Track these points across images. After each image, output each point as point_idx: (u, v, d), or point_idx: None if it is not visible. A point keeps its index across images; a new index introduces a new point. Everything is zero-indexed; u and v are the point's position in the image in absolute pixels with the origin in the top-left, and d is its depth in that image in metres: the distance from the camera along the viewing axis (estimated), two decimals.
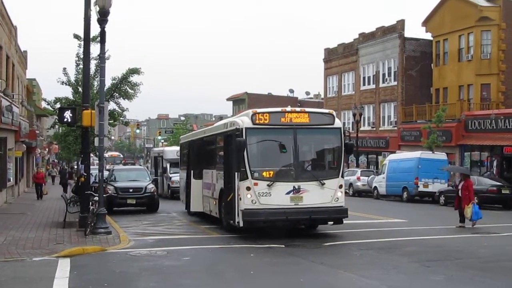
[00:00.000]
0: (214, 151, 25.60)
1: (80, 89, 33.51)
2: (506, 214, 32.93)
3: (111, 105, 35.20)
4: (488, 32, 50.05)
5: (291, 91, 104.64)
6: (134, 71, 35.52)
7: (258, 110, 21.13)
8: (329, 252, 18.19)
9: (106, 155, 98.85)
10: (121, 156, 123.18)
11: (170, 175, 42.28)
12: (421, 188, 41.27)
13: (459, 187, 25.51)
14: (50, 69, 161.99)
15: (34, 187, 46.67)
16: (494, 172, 44.10)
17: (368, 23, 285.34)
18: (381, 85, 60.12)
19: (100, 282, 13.70)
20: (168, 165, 43.66)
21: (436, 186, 40.44)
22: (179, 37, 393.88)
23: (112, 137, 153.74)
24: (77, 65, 35.09)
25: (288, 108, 21.59)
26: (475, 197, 35.46)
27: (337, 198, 20.86)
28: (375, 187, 45.98)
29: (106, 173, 31.62)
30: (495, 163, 45.02)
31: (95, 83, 33.70)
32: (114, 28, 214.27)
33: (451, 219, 26.47)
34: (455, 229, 24.09)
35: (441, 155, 42.63)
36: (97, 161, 23.51)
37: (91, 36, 25.32)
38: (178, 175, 36.24)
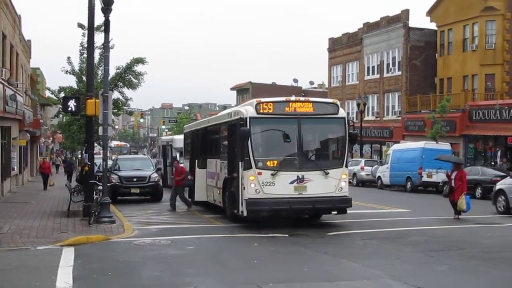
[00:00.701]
0: (218, 141, 25.63)
1: (84, 78, 33.41)
2: None
3: (115, 94, 35.15)
4: (493, 22, 49.86)
5: (295, 80, 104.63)
6: (139, 60, 35.44)
7: (262, 100, 21.13)
8: (333, 242, 18.22)
9: (112, 144, 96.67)
10: (128, 146, 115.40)
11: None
12: (424, 178, 41.15)
13: (452, 177, 24.98)
14: (54, 58, 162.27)
15: (38, 177, 46.49)
16: (498, 162, 44.07)
17: (372, 12, 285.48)
18: (385, 75, 59.98)
19: (104, 271, 13.75)
20: (177, 155, 41.82)
21: (440, 176, 40.32)
22: (183, 27, 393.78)
23: (116, 126, 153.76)
24: (81, 54, 35.00)
25: (293, 98, 21.59)
26: (479, 188, 35.77)
27: (341, 187, 20.86)
28: (379, 177, 45.98)
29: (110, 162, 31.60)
30: (499, 154, 45.00)
31: (99, 72, 33.63)
32: (118, 17, 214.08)
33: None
34: (458, 220, 24.04)
35: (445, 145, 42.56)
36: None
37: (95, 25, 25.26)
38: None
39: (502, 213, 26.18)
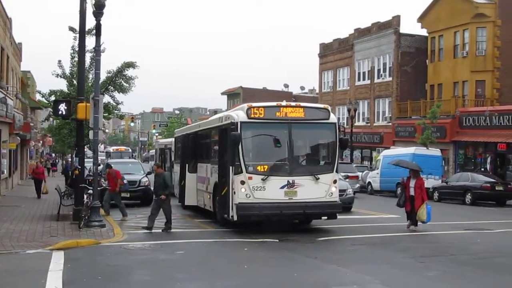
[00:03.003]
0: (209, 145, 25.61)
1: (75, 82, 33.42)
2: (499, 210, 33.05)
3: (106, 98, 35.12)
4: (484, 29, 50.10)
5: (286, 86, 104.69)
6: (130, 64, 35.43)
7: (254, 104, 21.13)
8: (323, 247, 18.24)
9: (111, 149, 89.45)
10: (130, 150, 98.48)
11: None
12: None
13: (411, 185, 22.64)
14: (45, 62, 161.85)
15: (28, 180, 43.66)
16: (488, 168, 44.24)
17: (363, 18, 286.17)
18: (376, 80, 60.12)
19: (94, 275, 13.71)
20: None
21: (430, 182, 40.41)
22: (174, 31, 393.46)
23: (107, 130, 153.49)
24: (72, 57, 35.00)
25: (284, 103, 21.57)
26: (469, 194, 35.94)
27: (331, 193, 20.88)
28: (369, 182, 46.08)
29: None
30: (489, 160, 45.17)
31: (90, 76, 33.62)
32: (109, 20, 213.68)
33: (444, 215, 26.55)
34: (448, 225, 24.09)
35: (435, 151, 42.74)
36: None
37: (86, 29, 25.19)
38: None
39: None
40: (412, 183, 22.66)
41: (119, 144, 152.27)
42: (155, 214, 21.60)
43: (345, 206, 27.92)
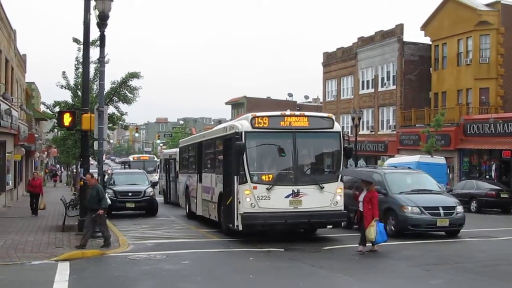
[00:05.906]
0: (213, 155, 25.63)
1: (79, 93, 33.53)
2: (504, 218, 32.96)
3: (110, 109, 35.20)
4: (487, 36, 50.05)
5: (290, 95, 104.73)
6: (134, 75, 35.53)
7: (258, 114, 21.15)
8: (328, 256, 18.21)
9: (130, 158, 79.43)
10: (155, 158, 78.06)
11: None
12: None
13: (360, 198, 19.21)
14: (49, 73, 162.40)
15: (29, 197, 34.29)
16: (493, 176, 44.12)
17: (367, 27, 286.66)
18: (380, 89, 60.05)
19: (100, 286, 13.73)
20: None
21: None
22: (177, 41, 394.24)
23: (111, 141, 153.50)
24: (77, 68, 35.14)
25: (288, 112, 21.59)
26: (474, 202, 35.84)
27: (336, 201, 20.86)
28: None
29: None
30: (493, 167, 45.05)
31: (95, 87, 33.75)
32: (113, 31, 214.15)
33: None
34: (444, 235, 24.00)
35: (440, 159, 42.63)
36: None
37: (90, 40, 25.25)
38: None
39: None
40: (361, 196, 19.27)
41: (124, 155, 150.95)
42: (90, 231, 19.79)
43: (454, 228, 22.84)
